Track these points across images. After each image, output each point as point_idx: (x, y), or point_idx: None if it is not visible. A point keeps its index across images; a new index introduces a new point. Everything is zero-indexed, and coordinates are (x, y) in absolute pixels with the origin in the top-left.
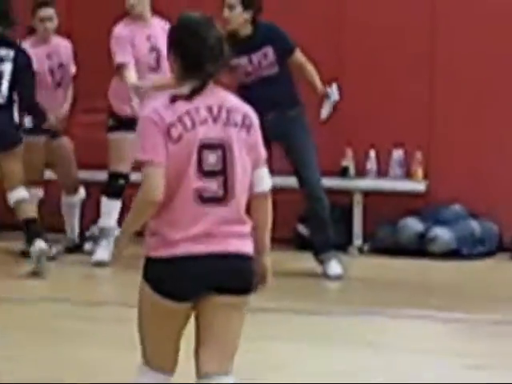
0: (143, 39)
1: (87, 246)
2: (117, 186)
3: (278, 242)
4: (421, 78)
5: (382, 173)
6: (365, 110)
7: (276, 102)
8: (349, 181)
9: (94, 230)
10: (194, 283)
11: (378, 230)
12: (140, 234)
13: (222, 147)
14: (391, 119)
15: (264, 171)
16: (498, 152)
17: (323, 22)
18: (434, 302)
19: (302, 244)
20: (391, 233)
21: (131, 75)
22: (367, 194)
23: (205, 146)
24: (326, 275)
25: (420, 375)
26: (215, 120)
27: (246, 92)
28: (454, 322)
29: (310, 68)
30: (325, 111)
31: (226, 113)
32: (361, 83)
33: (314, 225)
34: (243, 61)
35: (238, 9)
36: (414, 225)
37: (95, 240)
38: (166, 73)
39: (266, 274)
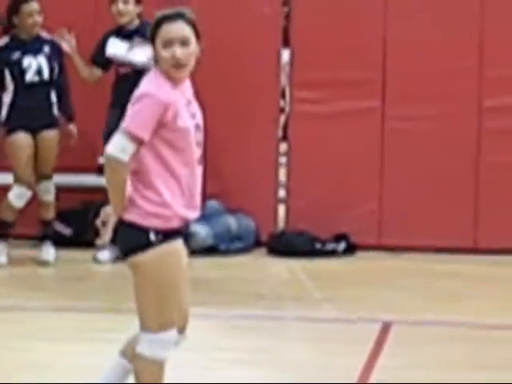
0: None
1: None
2: None
3: None
4: None
5: None
6: None
7: None
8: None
9: None
10: None
11: None
12: None
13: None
14: None
15: None
16: (252, 148)
17: None
18: (195, 298)
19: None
20: None
21: None
22: None
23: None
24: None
25: (174, 370)
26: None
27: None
28: (214, 318)
29: None
30: None
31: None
32: None
33: None
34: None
35: (132, 3)
36: None
37: None
38: None
39: None
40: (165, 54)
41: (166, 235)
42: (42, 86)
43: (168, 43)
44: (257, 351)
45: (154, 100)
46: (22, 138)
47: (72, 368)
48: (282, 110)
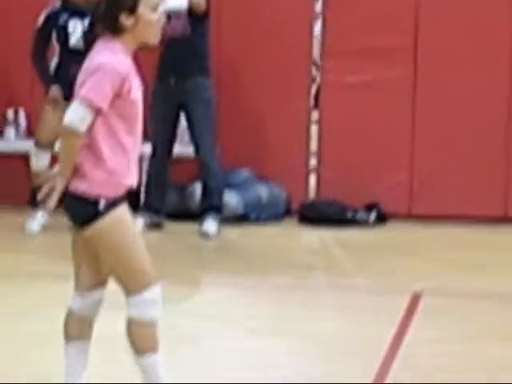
0: None
1: None
2: None
3: None
4: None
5: None
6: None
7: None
8: None
9: None
10: None
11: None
12: None
13: None
14: None
15: None
16: (283, 118)
17: None
18: (225, 267)
19: None
20: (180, 198)
21: None
22: None
23: None
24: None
25: (214, 341)
26: None
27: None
28: (244, 287)
29: None
30: None
31: None
32: None
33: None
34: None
35: None
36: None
37: None
38: None
39: None
40: (154, 17)
41: (114, 203)
42: (86, 51)
43: (156, 7)
44: (286, 321)
45: (114, 70)
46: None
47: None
48: (313, 80)
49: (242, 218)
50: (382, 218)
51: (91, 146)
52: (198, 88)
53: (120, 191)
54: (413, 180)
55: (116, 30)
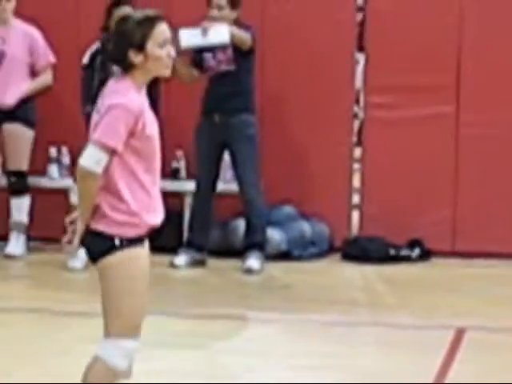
0: None
1: None
2: None
3: None
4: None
5: None
6: (195, 114)
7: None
8: (179, 183)
9: None
10: None
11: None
12: None
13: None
14: None
15: None
16: (326, 154)
17: None
18: (269, 304)
19: None
20: (223, 234)
21: None
22: None
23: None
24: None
25: (253, 377)
26: None
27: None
28: (288, 323)
29: None
30: None
31: None
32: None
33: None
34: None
35: (227, 9)
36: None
37: None
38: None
39: None
40: (162, 52)
41: (131, 241)
42: None
43: (164, 43)
44: (330, 357)
45: (126, 110)
46: None
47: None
48: (355, 116)
49: (285, 255)
50: (425, 255)
51: (109, 187)
52: (242, 125)
53: (141, 231)
54: (456, 216)
55: (126, 67)
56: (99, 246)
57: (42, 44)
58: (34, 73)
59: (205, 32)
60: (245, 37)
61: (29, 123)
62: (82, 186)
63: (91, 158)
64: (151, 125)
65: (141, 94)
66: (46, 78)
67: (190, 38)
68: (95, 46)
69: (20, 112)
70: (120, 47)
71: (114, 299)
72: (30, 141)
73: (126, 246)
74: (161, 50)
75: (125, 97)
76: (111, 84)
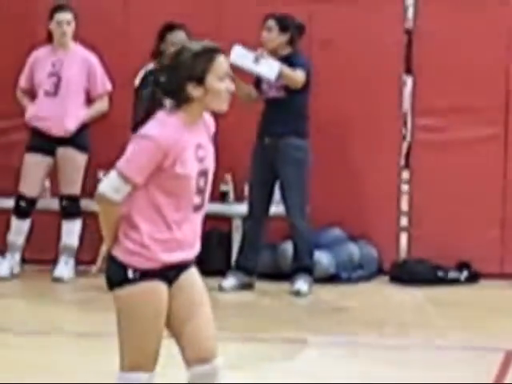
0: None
1: None
2: None
3: None
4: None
5: None
6: (244, 137)
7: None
8: (228, 206)
9: None
10: None
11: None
12: None
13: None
14: None
15: None
16: (375, 177)
17: None
18: (319, 327)
19: None
20: (271, 257)
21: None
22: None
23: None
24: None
25: None
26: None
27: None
28: (338, 346)
29: None
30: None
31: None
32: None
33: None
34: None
35: (275, 31)
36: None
37: None
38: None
39: None
40: (222, 86)
41: (145, 274)
42: None
43: (224, 76)
44: (379, 379)
45: (154, 144)
46: None
47: None
48: (403, 138)
49: (333, 278)
50: (473, 277)
51: (128, 216)
52: (289, 148)
53: (155, 265)
54: (504, 238)
55: (182, 100)
56: (114, 274)
57: (99, 71)
58: (89, 99)
59: (257, 60)
60: (295, 77)
61: (83, 148)
62: (101, 209)
63: (110, 185)
64: (189, 163)
65: (193, 130)
66: (102, 105)
67: (241, 56)
68: (144, 68)
69: (75, 137)
70: (177, 80)
71: (122, 334)
72: (82, 165)
73: (140, 279)
74: (220, 83)
75: (160, 129)
76: (160, 113)
